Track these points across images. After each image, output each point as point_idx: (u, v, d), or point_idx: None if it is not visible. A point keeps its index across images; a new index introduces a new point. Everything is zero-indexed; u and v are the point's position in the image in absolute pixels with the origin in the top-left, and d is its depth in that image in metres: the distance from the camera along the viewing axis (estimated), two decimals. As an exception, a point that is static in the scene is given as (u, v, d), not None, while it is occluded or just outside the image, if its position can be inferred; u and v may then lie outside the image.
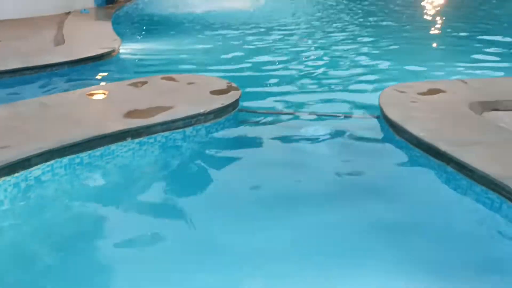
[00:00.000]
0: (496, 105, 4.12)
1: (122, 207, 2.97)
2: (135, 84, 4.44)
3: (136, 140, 3.50)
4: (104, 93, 4.20)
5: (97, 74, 5.25)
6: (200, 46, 6.75)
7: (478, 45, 7.16)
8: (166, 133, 3.62)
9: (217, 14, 9.50)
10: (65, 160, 3.18)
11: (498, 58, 6.44)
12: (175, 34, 7.44)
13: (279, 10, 10.06)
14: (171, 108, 3.83)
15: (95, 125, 3.49)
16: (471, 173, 2.99)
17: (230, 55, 6.38)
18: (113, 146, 3.40)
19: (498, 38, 7.77)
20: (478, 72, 5.72)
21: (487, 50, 6.84)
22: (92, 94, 4.16)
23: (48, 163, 3.10)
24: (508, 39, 7.70)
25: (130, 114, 3.70)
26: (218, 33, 7.66)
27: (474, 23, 9.36)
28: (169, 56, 6.14)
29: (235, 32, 7.80)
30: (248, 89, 4.79)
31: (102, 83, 4.71)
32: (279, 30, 8.00)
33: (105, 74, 5.30)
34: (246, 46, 6.87)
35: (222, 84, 4.46)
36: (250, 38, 7.39)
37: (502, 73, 5.60)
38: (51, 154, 3.12)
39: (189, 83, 4.51)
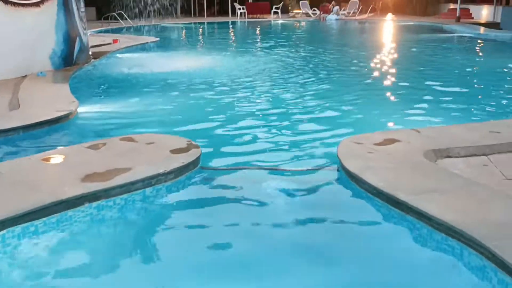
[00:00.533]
0: (448, 153, 4.28)
1: (80, 276, 2.83)
2: (93, 147, 4.37)
3: (94, 204, 3.41)
4: (60, 157, 4.11)
5: (53, 138, 5.15)
6: (159, 105, 6.79)
7: (429, 93, 7.51)
8: (126, 195, 3.55)
9: (175, 73, 9.64)
10: (18, 229, 3.04)
11: (448, 106, 6.75)
12: (134, 94, 7.46)
13: (238, 68, 10.31)
14: (130, 170, 3.78)
15: (51, 191, 3.39)
16: (430, 221, 3.05)
17: (189, 113, 6.44)
18: (70, 212, 3.30)
19: (448, 86, 8.19)
20: (430, 120, 5.96)
21: (438, 98, 7.18)
22: (48, 159, 4.07)
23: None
24: (457, 87, 8.13)
25: (87, 178, 3.62)
26: (177, 92, 7.75)
27: (424, 72, 9.87)
28: (128, 116, 6.12)
29: (194, 90, 7.90)
30: (208, 146, 4.82)
31: (59, 147, 4.61)
32: (238, 87, 8.16)
33: (62, 137, 5.21)
34: (205, 104, 6.95)
35: (182, 143, 4.45)
36: (209, 95, 7.49)
37: (452, 121, 5.85)
38: (2, 224, 2.99)
39: (148, 143, 4.48)
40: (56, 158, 4.09)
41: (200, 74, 9.48)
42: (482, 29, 18.16)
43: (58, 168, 3.91)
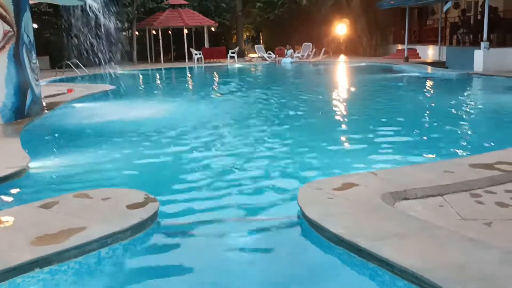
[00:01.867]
0: (406, 195, 4.35)
1: None
2: (45, 206, 4.19)
3: (46, 269, 3.23)
4: (9, 219, 3.90)
5: (2, 198, 4.91)
6: (115, 157, 6.65)
7: (383, 133, 7.71)
8: (80, 258, 3.38)
9: (131, 122, 9.53)
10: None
11: (403, 145, 6.93)
12: (89, 146, 7.30)
13: (195, 115, 10.31)
14: (84, 229, 3.63)
15: (-2, 258, 3.19)
16: (391, 268, 3.05)
17: (147, 165, 6.33)
18: (18, 279, 3.10)
19: (401, 125, 8.44)
20: (386, 160, 6.09)
21: (392, 138, 7.38)
22: (-4, 222, 3.86)
23: None
24: (409, 126, 8.38)
25: (38, 241, 3.44)
26: (133, 142, 7.63)
27: (377, 112, 10.16)
28: (83, 170, 5.95)
29: (151, 139, 7.81)
30: (166, 199, 4.72)
31: (8, 208, 4.39)
32: (195, 135, 8.13)
33: (12, 196, 4.97)
34: (163, 154, 6.86)
35: (139, 197, 4.33)
36: (167, 145, 7.42)
37: (407, 160, 5.99)
38: None
39: (104, 199, 4.33)
40: (5, 220, 3.89)
41: (157, 123, 9.41)
42: (429, 68, 19.04)
43: (5, 231, 3.70)
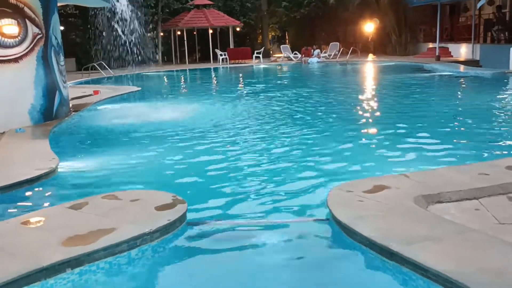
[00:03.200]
0: (439, 198, 4.30)
1: None
2: (75, 207, 4.30)
3: (77, 270, 3.32)
4: (41, 220, 4.02)
5: (33, 199, 5.05)
6: (143, 159, 6.75)
7: (415, 135, 7.62)
8: (110, 259, 3.46)
9: (158, 123, 9.66)
10: (-3, 301, 2.94)
11: (435, 147, 6.83)
12: (116, 148, 7.44)
13: (222, 116, 10.39)
14: (114, 230, 3.71)
15: (30, 258, 3.29)
16: (426, 273, 3.02)
17: (174, 166, 6.40)
18: (51, 280, 3.20)
19: (433, 127, 8.32)
20: (418, 162, 6.01)
21: (424, 140, 7.28)
22: (27, 222, 3.98)
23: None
24: (442, 128, 8.26)
25: (69, 242, 3.53)
26: (160, 143, 7.73)
27: (408, 113, 10.04)
28: (111, 172, 6.06)
29: (178, 141, 7.91)
30: (195, 200, 4.78)
31: (39, 209, 4.52)
32: (222, 136, 8.20)
33: (42, 198, 5.11)
34: (190, 155, 6.94)
35: (167, 198, 4.40)
36: (194, 146, 7.49)
37: (440, 162, 5.91)
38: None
39: (132, 200, 4.42)
40: (36, 221, 4.01)
41: (184, 124, 9.51)
42: (462, 67, 18.73)
43: (38, 232, 3.81)
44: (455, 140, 7.35)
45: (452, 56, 24.51)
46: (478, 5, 21.13)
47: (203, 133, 8.43)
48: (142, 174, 5.99)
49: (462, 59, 23.03)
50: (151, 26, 30.24)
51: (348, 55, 27.89)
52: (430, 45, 26.54)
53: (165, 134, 8.45)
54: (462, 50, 24.13)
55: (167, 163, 6.52)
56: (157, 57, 29.60)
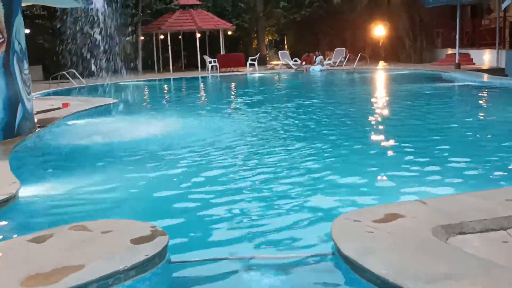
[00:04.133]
0: (461, 228, 4.28)
1: None
2: (37, 239, 4.25)
3: (38, 315, 3.26)
4: (-3, 255, 3.97)
5: (-11, 230, 5.01)
6: (118, 183, 6.72)
7: (432, 155, 7.63)
8: (77, 301, 3.41)
9: (136, 142, 9.64)
10: None
11: (455, 169, 6.83)
12: (88, 170, 7.39)
13: (210, 134, 10.37)
14: (82, 268, 3.66)
15: (-17, 301, 3.23)
16: (447, 317, 2.98)
17: (153, 191, 6.37)
18: (7, 326, 3.14)
19: (453, 145, 8.34)
20: (436, 187, 6.00)
21: (443, 160, 7.29)
22: (-19, 258, 3.92)
23: None
24: (462, 146, 8.28)
25: (30, 281, 3.48)
26: (138, 165, 7.70)
27: (425, 130, 10.08)
28: (81, 198, 6.02)
29: (159, 162, 7.88)
30: (178, 232, 4.74)
31: (-5, 242, 4.47)
32: (209, 157, 8.16)
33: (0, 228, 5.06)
34: (172, 179, 6.91)
35: (145, 229, 4.36)
36: (177, 168, 7.46)
37: (461, 187, 5.91)
38: None
39: (104, 232, 4.37)
40: (-9, 256, 3.95)
41: (166, 142, 9.49)
42: (485, 76, 18.87)
43: (-7, 270, 3.76)
44: (479, 161, 7.36)
45: (474, 64, 24.76)
46: (503, 6, 21.39)
47: (188, 154, 8.40)
48: (116, 201, 5.95)
49: (485, 67, 23.26)
50: (130, 29, 30.41)
51: (356, 62, 28.10)
52: (449, 51, 26.81)
53: (144, 155, 8.42)
54: (486, 57, 24.37)
55: (146, 188, 6.49)
56: (137, 64, 29.71)
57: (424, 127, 10.47)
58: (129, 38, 31.05)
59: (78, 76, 22.85)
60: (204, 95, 21.61)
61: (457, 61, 23.30)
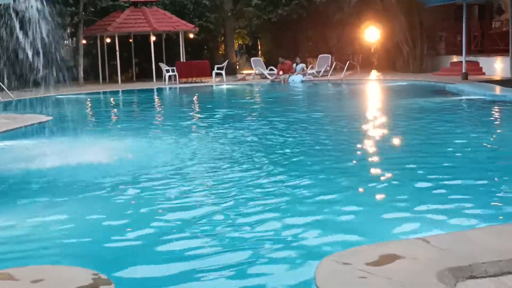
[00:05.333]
0: (472, 271, 4.30)
1: None
2: None
3: None
4: None
5: None
6: (52, 220, 6.65)
7: (434, 183, 7.70)
8: None
9: (73, 169, 9.56)
10: None
11: (465, 202, 6.88)
12: (13, 206, 7.28)
13: (166, 159, 10.34)
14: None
15: None
16: None
17: (94, 230, 6.32)
18: None
19: (459, 173, 8.43)
20: (439, 222, 6.06)
21: (447, 190, 7.36)
22: None
23: None
24: (471, 174, 8.38)
25: None
26: (77, 198, 7.63)
27: (426, 154, 10.18)
28: (5, 240, 5.93)
29: (100, 193, 7.84)
30: (127, 281, 4.69)
31: None
32: (166, 185, 8.17)
33: None
34: (118, 213, 6.87)
35: (86, 277, 4.31)
36: (123, 200, 7.45)
37: (473, 224, 5.96)
38: None
39: (34, 281, 4.31)
40: None
41: (110, 170, 9.44)
42: (497, 89, 19.25)
43: None
44: (492, 190, 7.45)
45: (483, 74, 25.22)
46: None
47: (139, 183, 8.36)
48: (49, 242, 5.87)
49: (497, 77, 23.73)
50: (69, 31, 30.34)
51: (344, 71, 28.48)
52: (454, 58, 27.31)
53: (82, 184, 8.35)
54: (497, 66, 24.90)
55: (85, 226, 6.44)
56: (78, 73, 29.56)
57: (426, 150, 10.57)
58: (68, 41, 30.94)
59: (4, 88, 22.61)
60: (159, 111, 21.56)
61: (463, 71, 23.66)
